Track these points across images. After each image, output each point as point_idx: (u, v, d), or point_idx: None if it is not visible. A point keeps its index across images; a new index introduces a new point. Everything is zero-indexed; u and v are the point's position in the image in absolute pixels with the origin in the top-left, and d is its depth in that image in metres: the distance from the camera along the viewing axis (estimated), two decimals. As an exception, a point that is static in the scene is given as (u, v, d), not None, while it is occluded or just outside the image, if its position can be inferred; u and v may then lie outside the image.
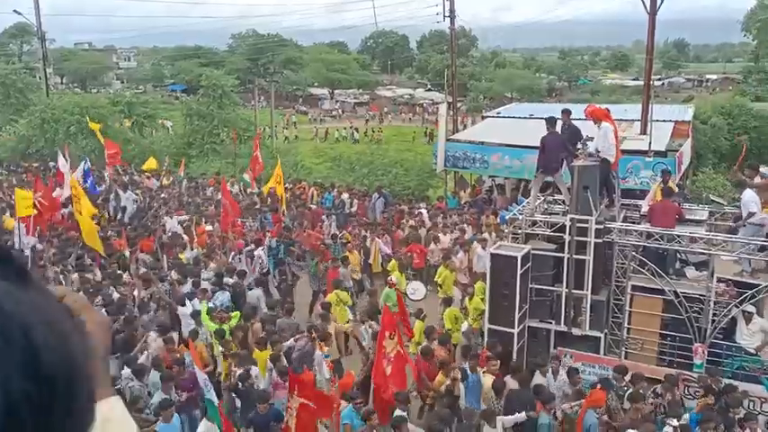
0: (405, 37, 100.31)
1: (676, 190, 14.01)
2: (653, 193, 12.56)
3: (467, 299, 12.43)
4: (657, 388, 9.42)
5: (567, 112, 12.33)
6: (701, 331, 10.07)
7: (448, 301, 12.04)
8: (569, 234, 10.45)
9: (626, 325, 10.64)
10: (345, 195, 22.44)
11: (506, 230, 16.24)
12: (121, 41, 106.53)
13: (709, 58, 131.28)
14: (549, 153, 11.55)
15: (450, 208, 22.15)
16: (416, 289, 13.19)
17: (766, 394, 9.41)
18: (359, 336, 11.56)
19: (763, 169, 12.46)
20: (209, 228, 16.87)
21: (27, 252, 14.90)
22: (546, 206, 12.35)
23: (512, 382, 9.35)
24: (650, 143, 18.25)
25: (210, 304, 11.97)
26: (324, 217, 19.48)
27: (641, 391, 9.02)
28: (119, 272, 13.96)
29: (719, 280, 10.00)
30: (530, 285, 10.75)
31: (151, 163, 25.81)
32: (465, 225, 17.77)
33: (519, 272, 10.34)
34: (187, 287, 12.89)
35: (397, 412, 8.04)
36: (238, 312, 11.56)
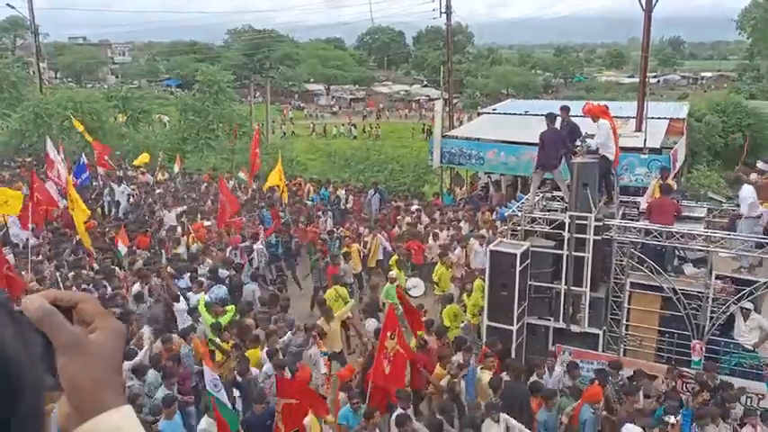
0: (401, 33, 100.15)
1: (675, 187, 14.03)
2: (651, 190, 12.57)
3: (464, 295, 12.45)
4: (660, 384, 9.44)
5: (565, 109, 12.31)
6: (699, 328, 10.09)
7: (448, 299, 12.01)
8: (568, 231, 10.44)
9: (624, 322, 10.66)
10: (341, 191, 22.41)
11: (501, 227, 16.39)
12: (116, 36, 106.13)
13: (704, 55, 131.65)
14: (548, 149, 11.53)
15: (445, 205, 22.15)
16: (415, 285, 13.18)
17: (764, 390, 9.44)
18: (357, 325, 11.54)
19: (760, 164, 12.46)
20: (207, 223, 16.80)
21: (20, 245, 14.84)
22: (545, 203, 12.33)
23: (506, 377, 9.35)
24: (645, 140, 18.30)
25: (207, 297, 11.94)
26: (320, 213, 19.43)
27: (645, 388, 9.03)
28: (112, 267, 13.89)
29: (718, 277, 10.02)
30: (529, 282, 10.75)
31: (143, 158, 25.64)
32: (463, 222, 17.74)
33: (518, 269, 10.33)
34: (182, 282, 12.85)
35: (400, 411, 8.01)
36: (233, 306, 11.49)
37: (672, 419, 8.22)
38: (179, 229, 16.33)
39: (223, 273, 13.33)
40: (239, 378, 9.03)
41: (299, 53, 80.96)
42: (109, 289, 12.34)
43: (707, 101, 31.72)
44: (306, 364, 9.83)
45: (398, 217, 18.56)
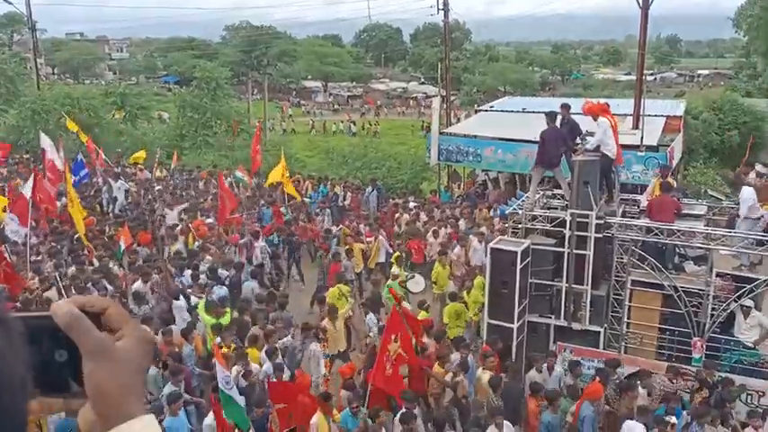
0: (398, 30, 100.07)
1: (675, 185, 14.06)
2: (652, 188, 12.59)
3: (464, 292, 12.46)
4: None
5: (566, 107, 12.31)
6: (699, 325, 10.12)
7: (451, 297, 12.01)
8: (569, 229, 10.45)
9: (625, 319, 10.67)
10: (339, 188, 22.44)
11: (498, 224, 16.44)
12: (114, 32, 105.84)
13: (700, 53, 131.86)
14: (548, 147, 11.52)
15: (443, 202, 22.18)
16: (415, 282, 13.17)
17: (764, 387, 9.48)
18: (356, 324, 11.54)
19: (759, 167, 12.53)
20: (209, 221, 16.80)
21: (19, 241, 14.78)
22: (545, 201, 12.34)
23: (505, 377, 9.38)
24: (642, 138, 18.35)
25: (208, 298, 11.94)
26: (318, 210, 19.44)
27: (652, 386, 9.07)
28: (109, 266, 13.86)
29: (718, 274, 10.05)
30: (529, 280, 10.76)
31: (140, 155, 25.55)
32: (462, 220, 17.76)
33: (519, 266, 10.33)
34: (182, 280, 12.85)
35: (403, 411, 8.01)
36: (229, 311, 11.42)
37: (673, 419, 8.27)
38: (179, 226, 16.31)
39: (223, 273, 13.31)
40: (243, 381, 9.02)
41: (297, 50, 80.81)
42: (109, 288, 12.33)
43: (703, 98, 31.73)
44: (304, 371, 9.79)
45: (397, 215, 18.56)
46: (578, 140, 11.84)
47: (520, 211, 11.41)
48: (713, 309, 10.00)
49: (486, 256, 13.95)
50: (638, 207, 12.11)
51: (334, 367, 10.68)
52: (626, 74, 77.08)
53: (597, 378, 9.33)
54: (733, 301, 9.88)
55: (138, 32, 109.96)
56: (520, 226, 11.28)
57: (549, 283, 10.85)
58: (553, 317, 10.92)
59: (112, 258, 14.21)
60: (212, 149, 31.23)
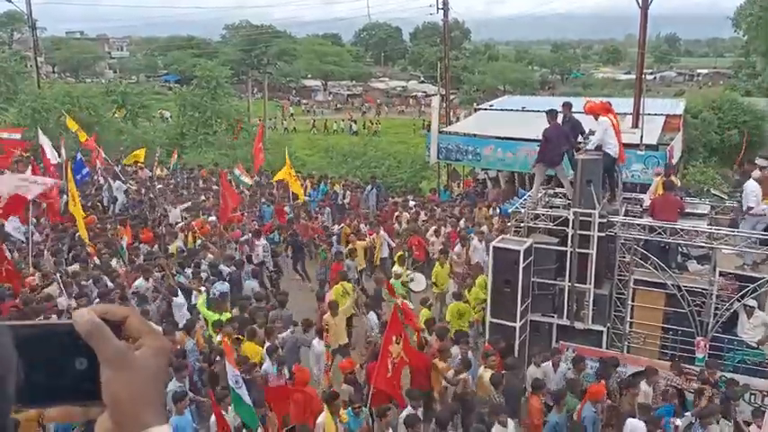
0: (398, 29, 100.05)
1: (678, 184, 14.05)
2: (654, 188, 12.57)
3: (465, 290, 12.42)
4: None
5: (567, 105, 12.29)
6: (702, 325, 10.10)
7: (456, 296, 11.98)
8: (572, 228, 10.43)
9: (628, 319, 10.66)
10: (338, 187, 22.47)
11: (498, 223, 16.42)
12: (114, 31, 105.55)
13: (699, 52, 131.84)
14: (550, 145, 11.50)
15: (442, 201, 22.17)
16: (418, 281, 13.16)
17: (768, 387, 9.47)
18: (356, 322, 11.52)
19: (759, 161, 12.50)
20: (212, 218, 16.80)
21: (21, 238, 14.77)
22: (547, 200, 12.32)
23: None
24: (642, 137, 18.34)
25: (213, 292, 11.95)
26: (317, 209, 19.44)
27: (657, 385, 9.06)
28: (113, 263, 13.85)
29: (721, 274, 10.03)
30: (532, 279, 10.74)
31: (139, 154, 25.49)
32: (463, 219, 17.76)
33: (521, 265, 10.31)
34: (182, 278, 12.84)
35: (409, 411, 7.98)
36: (228, 314, 11.39)
37: (678, 422, 8.26)
38: (179, 224, 16.31)
39: (224, 269, 13.32)
40: (245, 376, 8.98)
41: (297, 49, 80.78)
42: (110, 285, 12.31)
43: (703, 97, 31.72)
44: (303, 367, 9.77)
45: (396, 213, 18.55)
46: (580, 139, 11.83)
47: (522, 210, 11.39)
48: (716, 308, 9.99)
49: (486, 254, 14.00)
50: (641, 206, 12.09)
51: (334, 361, 10.66)
52: (625, 73, 77.04)
53: (600, 378, 9.32)
54: (736, 300, 9.86)
55: (138, 31, 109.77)
56: (522, 225, 11.26)
57: (552, 282, 10.83)
58: (556, 316, 10.91)
59: (114, 256, 14.19)
60: (212, 148, 31.24)
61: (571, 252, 10.51)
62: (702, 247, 10.69)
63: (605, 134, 10.90)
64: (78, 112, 28.73)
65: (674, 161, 19.78)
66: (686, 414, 8.59)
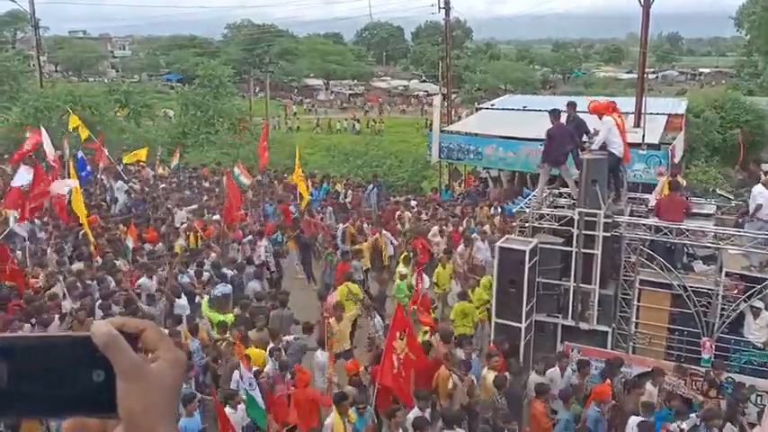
0: (400, 28, 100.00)
1: (684, 184, 14.01)
2: (660, 187, 12.53)
3: (469, 291, 12.38)
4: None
5: (572, 105, 12.24)
6: (708, 325, 10.06)
7: (461, 296, 11.95)
8: (578, 228, 10.40)
9: (634, 319, 10.62)
10: (340, 186, 22.49)
11: (499, 222, 16.40)
12: (116, 30, 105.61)
13: (702, 51, 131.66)
14: (555, 144, 11.47)
15: (443, 200, 22.16)
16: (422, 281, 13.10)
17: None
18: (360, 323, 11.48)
19: (766, 167, 12.47)
20: (215, 218, 16.80)
21: (25, 235, 14.77)
22: (552, 199, 12.28)
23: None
24: (644, 136, 18.30)
25: (216, 293, 11.96)
26: (319, 208, 19.43)
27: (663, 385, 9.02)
28: (114, 261, 13.84)
29: (728, 274, 9.99)
30: (537, 279, 10.70)
31: (140, 153, 25.45)
32: (467, 218, 17.73)
33: (527, 265, 10.27)
34: (185, 278, 12.83)
35: (416, 412, 7.94)
36: (232, 315, 11.36)
37: (683, 425, 8.22)
38: (183, 225, 16.31)
39: (227, 272, 13.29)
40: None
41: (299, 48, 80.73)
42: (113, 284, 12.30)
43: (705, 97, 31.68)
44: (304, 368, 9.75)
45: (398, 212, 18.53)
46: (585, 138, 11.79)
47: (527, 210, 11.35)
48: (723, 309, 9.94)
49: (489, 254, 13.98)
50: (646, 206, 12.05)
51: (337, 365, 10.62)
52: (627, 72, 76.90)
53: (606, 379, 9.28)
54: (743, 301, 9.82)
55: (140, 30, 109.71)
56: (527, 225, 11.22)
57: (557, 282, 10.79)
58: (561, 316, 10.87)
59: (117, 255, 14.19)
60: (214, 147, 31.24)
61: (576, 252, 10.47)
62: (708, 247, 10.65)
63: (610, 133, 10.87)
64: (80, 111, 28.70)
65: (676, 161, 19.74)
66: (691, 416, 8.55)
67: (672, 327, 10.43)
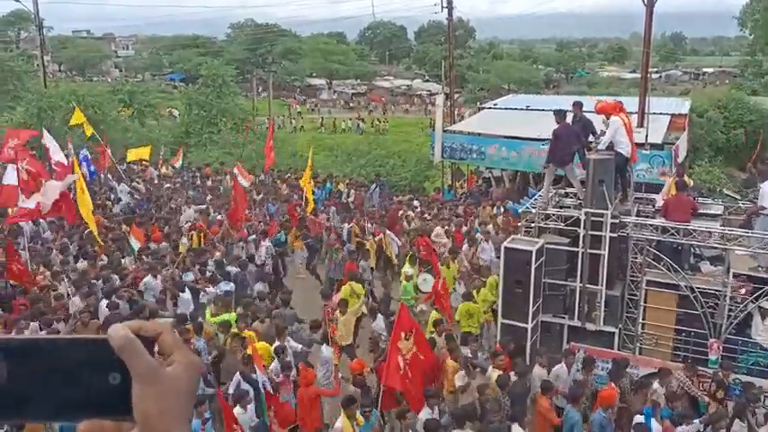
0: (402, 28, 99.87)
1: (691, 184, 13.95)
2: (667, 188, 12.48)
3: (474, 291, 12.34)
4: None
5: (578, 105, 12.24)
6: (716, 326, 10.02)
7: (465, 296, 11.91)
8: (584, 228, 10.35)
9: (640, 320, 10.58)
10: (342, 186, 22.47)
11: (501, 222, 16.35)
12: (119, 30, 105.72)
13: (705, 51, 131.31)
14: (560, 145, 11.43)
15: (445, 200, 22.13)
16: (426, 280, 13.10)
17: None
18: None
19: None
20: (219, 217, 16.79)
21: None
22: (557, 199, 12.24)
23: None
24: (647, 136, 18.24)
25: (215, 291, 12.00)
26: (322, 208, 19.42)
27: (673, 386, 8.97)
28: (120, 259, 13.85)
29: (735, 275, 9.94)
30: (543, 280, 10.66)
31: (143, 151, 25.41)
32: (472, 218, 17.70)
33: (533, 266, 10.24)
34: (189, 276, 12.83)
35: (425, 412, 7.91)
36: (234, 314, 11.34)
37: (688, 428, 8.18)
38: (186, 224, 16.31)
39: (232, 270, 13.30)
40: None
41: (302, 48, 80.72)
42: (117, 282, 12.28)
43: (708, 96, 31.59)
44: (308, 366, 9.72)
45: (401, 212, 18.51)
46: (591, 138, 11.75)
47: (533, 210, 11.31)
48: (730, 310, 9.89)
49: (494, 255, 13.95)
50: (653, 206, 12.00)
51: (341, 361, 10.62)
52: (631, 72, 76.73)
53: (611, 382, 9.23)
54: (750, 302, 9.76)
55: (143, 30, 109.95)
56: (533, 225, 11.18)
57: (563, 282, 10.76)
58: (567, 317, 10.83)
59: (123, 254, 14.19)
60: (217, 147, 31.25)
61: (583, 253, 10.43)
62: (715, 248, 10.60)
63: (617, 133, 10.83)
64: (84, 111, 28.70)
65: (680, 161, 19.69)
66: (694, 421, 8.49)
67: (679, 328, 10.40)
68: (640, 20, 20.51)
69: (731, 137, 26.67)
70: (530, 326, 10.40)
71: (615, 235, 10.37)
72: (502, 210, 18.62)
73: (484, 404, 8.27)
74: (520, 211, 12.71)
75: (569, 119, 11.80)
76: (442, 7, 29.22)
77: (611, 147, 10.87)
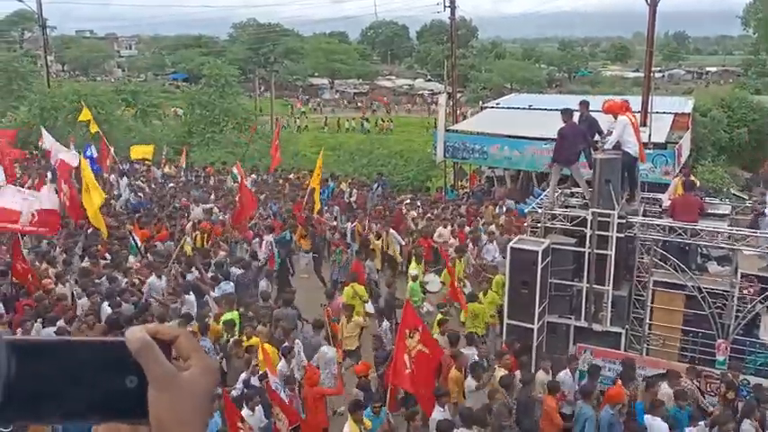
0: (405, 27, 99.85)
1: (698, 184, 13.89)
2: (674, 188, 12.42)
3: (481, 293, 12.30)
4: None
5: (584, 104, 12.17)
6: (723, 327, 9.96)
7: (470, 297, 11.85)
8: (591, 228, 10.30)
9: (648, 321, 10.52)
10: (345, 185, 22.46)
11: (503, 221, 16.31)
12: (122, 29, 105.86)
13: (708, 50, 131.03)
14: (566, 144, 11.38)
15: (448, 200, 22.11)
16: (431, 281, 13.06)
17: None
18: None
19: None
20: (221, 217, 16.76)
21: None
22: (563, 199, 12.19)
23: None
24: (650, 135, 18.19)
25: (215, 293, 11.95)
26: (325, 207, 19.39)
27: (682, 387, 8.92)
28: (123, 257, 13.82)
29: (743, 276, 9.87)
30: (549, 280, 10.61)
31: (147, 150, 25.38)
32: (477, 218, 17.66)
33: (540, 266, 10.19)
34: (190, 276, 12.82)
35: (437, 411, 7.86)
36: (237, 313, 11.28)
37: (694, 430, 8.13)
38: (189, 224, 16.28)
39: (235, 272, 13.25)
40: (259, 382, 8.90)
41: (304, 47, 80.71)
42: (123, 282, 12.25)
43: (712, 96, 31.52)
44: (313, 365, 9.69)
45: (405, 212, 18.48)
46: (597, 137, 11.69)
47: (539, 210, 11.25)
48: (738, 310, 9.83)
49: (497, 254, 13.91)
50: (660, 206, 11.94)
51: (344, 365, 10.58)
52: (634, 71, 76.59)
53: (619, 380, 9.18)
54: (758, 302, 9.70)
55: (146, 30, 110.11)
56: (539, 225, 11.13)
57: (570, 283, 10.70)
58: (573, 317, 10.77)
59: (128, 251, 14.19)
60: (219, 147, 31.25)
61: (589, 253, 10.38)
62: (723, 248, 10.54)
63: (624, 133, 10.78)
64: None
65: (683, 160, 19.64)
66: (700, 423, 8.44)
67: (686, 328, 10.34)
68: (643, 19, 20.53)
69: (734, 136, 26.59)
70: (536, 326, 10.35)
71: (622, 235, 10.32)
72: (504, 209, 18.59)
73: (493, 408, 8.22)
74: (526, 210, 12.65)
75: (576, 118, 11.75)
76: (445, 6, 29.16)
77: (618, 146, 10.82)
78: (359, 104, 65.42)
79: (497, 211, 18.67)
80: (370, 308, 11.60)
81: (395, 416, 8.85)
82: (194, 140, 32.57)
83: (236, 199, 17.08)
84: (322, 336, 10.40)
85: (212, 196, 19.96)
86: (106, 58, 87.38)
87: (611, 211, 10.18)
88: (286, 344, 9.80)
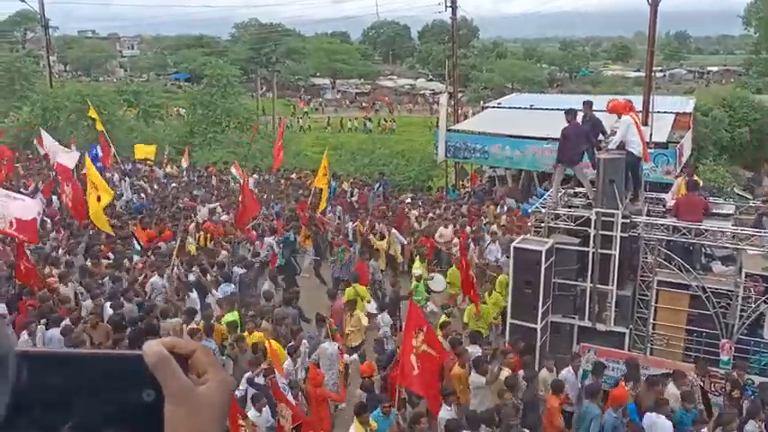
0: (406, 27, 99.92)
1: (702, 183, 13.88)
2: (677, 188, 12.41)
3: (486, 294, 12.28)
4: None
5: (588, 104, 12.19)
6: (727, 327, 9.95)
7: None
8: (595, 228, 10.29)
9: (651, 320, 10.51)
10: (346, 185, 22.47)
11: (504, 221, 16.30)
12: (124, 29, 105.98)
13: (710, 50, 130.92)
14: (570, 144, 11.37)
15: (449, 199, 22.11)
16: (437, 281, 13.04)
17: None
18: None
19: None
20: (224, 217, 16.76)
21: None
22: (566, 199, 12.18)
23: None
24: (651, 134, 18.18)
25: (219, 294, 11.97)
26: (329, 207, 19.39)
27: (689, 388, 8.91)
28: (125, 257, 13.82)
29: (747, 275, 9.86)
30: (553, 280, 10.60)
31: (149, 150, 25.37)
32: (479, 217, 17.65)
33: (543, 266, 10.18)
34: (191, 276, 12.82)
35: (445, 411, 7.84)
36: (237, 313, 11.28)
37: (704, 429, 8.10)
38: (192, 224, 16.29)
39: (237, 271, 13.25)
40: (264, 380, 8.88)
41: (306, 47, 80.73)
42: (125, 282, 12.25)
43: (713, 95, 31.46)
44: (316, 366, 9.68)
45: (406, 211, 18.47)
46: (601, 137, 11.69)
47: (543, 210, 11.25)
48: (742, 310, 9.82)
49: (500, 254, 13.90)
50: (664, 206, 11.93)
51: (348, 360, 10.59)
52: (635, 70, 76.52)
53: (622, 380, 9.16)
54: (763, 302, 9.69)
55: (147, 30, 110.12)
56: (543, 224, 11.12)
57: (573, 282, 10.69)
58: (577, 317, 10.77)
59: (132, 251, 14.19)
60: (221, 146, 31.26)
61: (593, 253, 10.37)
62: (727, 247, 10.53)
63: (628, 132, 10.78)
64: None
65: (684, 159, 19.62)
66: (703, 430, 8.41)
67: (690, 328, 10.33)
68: (645, 18, 20.53)
69: (736, 135, 26.54)
70: (539, 326, 10.34)
71: (626, 235, 10.32)
72: (505, 209, 18.58)
73: (501, 408, 8.21)
74: (529, 210, 12.65)
75: (579, 118, 11.74)
76: (446, 6, 29.11)
77: (622, 146, 10.81)
78: (363, 104, 65.39)
79: (499, 210, 18.67)
80: (371, 308, 11.59)
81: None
82: (196, 140, 32.59)
83: (240, 199, 17.06)
84: (323, 333, 10.40)
85: (213, 197, 19.97)
86: (108, 59, 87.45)
87: (614, 211, 10.17)
88: (292, 343, 9.81)
